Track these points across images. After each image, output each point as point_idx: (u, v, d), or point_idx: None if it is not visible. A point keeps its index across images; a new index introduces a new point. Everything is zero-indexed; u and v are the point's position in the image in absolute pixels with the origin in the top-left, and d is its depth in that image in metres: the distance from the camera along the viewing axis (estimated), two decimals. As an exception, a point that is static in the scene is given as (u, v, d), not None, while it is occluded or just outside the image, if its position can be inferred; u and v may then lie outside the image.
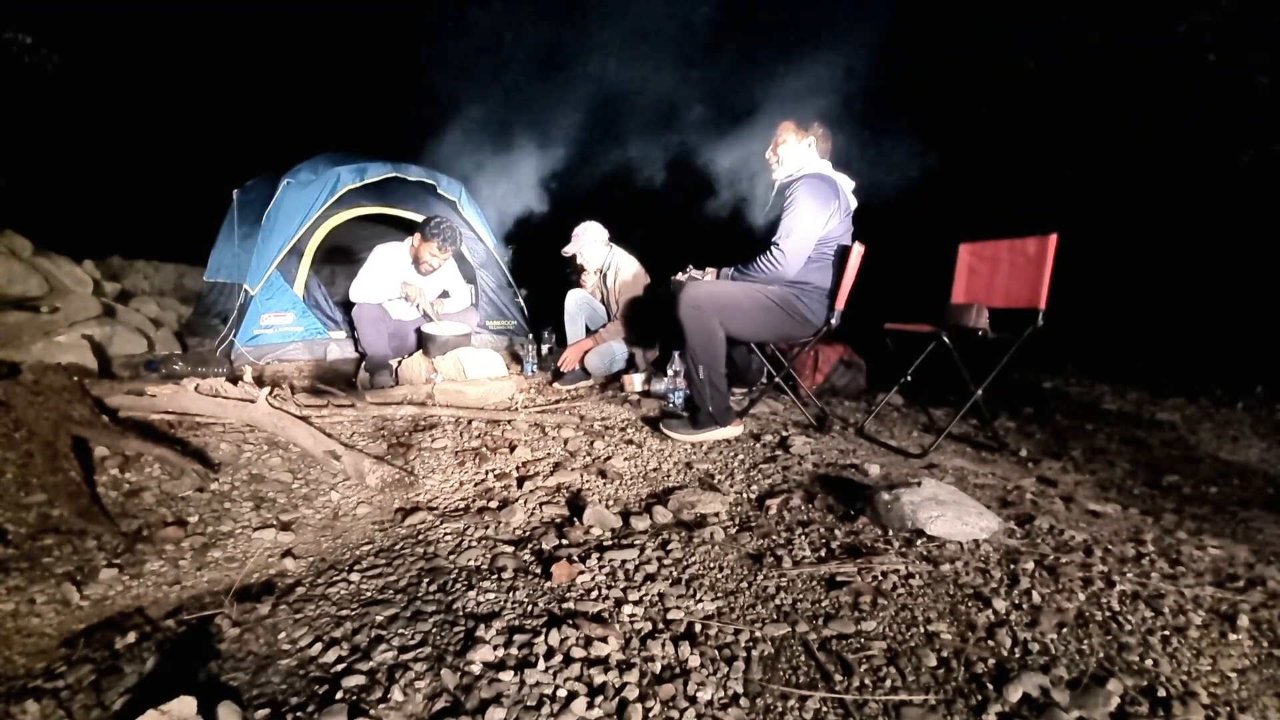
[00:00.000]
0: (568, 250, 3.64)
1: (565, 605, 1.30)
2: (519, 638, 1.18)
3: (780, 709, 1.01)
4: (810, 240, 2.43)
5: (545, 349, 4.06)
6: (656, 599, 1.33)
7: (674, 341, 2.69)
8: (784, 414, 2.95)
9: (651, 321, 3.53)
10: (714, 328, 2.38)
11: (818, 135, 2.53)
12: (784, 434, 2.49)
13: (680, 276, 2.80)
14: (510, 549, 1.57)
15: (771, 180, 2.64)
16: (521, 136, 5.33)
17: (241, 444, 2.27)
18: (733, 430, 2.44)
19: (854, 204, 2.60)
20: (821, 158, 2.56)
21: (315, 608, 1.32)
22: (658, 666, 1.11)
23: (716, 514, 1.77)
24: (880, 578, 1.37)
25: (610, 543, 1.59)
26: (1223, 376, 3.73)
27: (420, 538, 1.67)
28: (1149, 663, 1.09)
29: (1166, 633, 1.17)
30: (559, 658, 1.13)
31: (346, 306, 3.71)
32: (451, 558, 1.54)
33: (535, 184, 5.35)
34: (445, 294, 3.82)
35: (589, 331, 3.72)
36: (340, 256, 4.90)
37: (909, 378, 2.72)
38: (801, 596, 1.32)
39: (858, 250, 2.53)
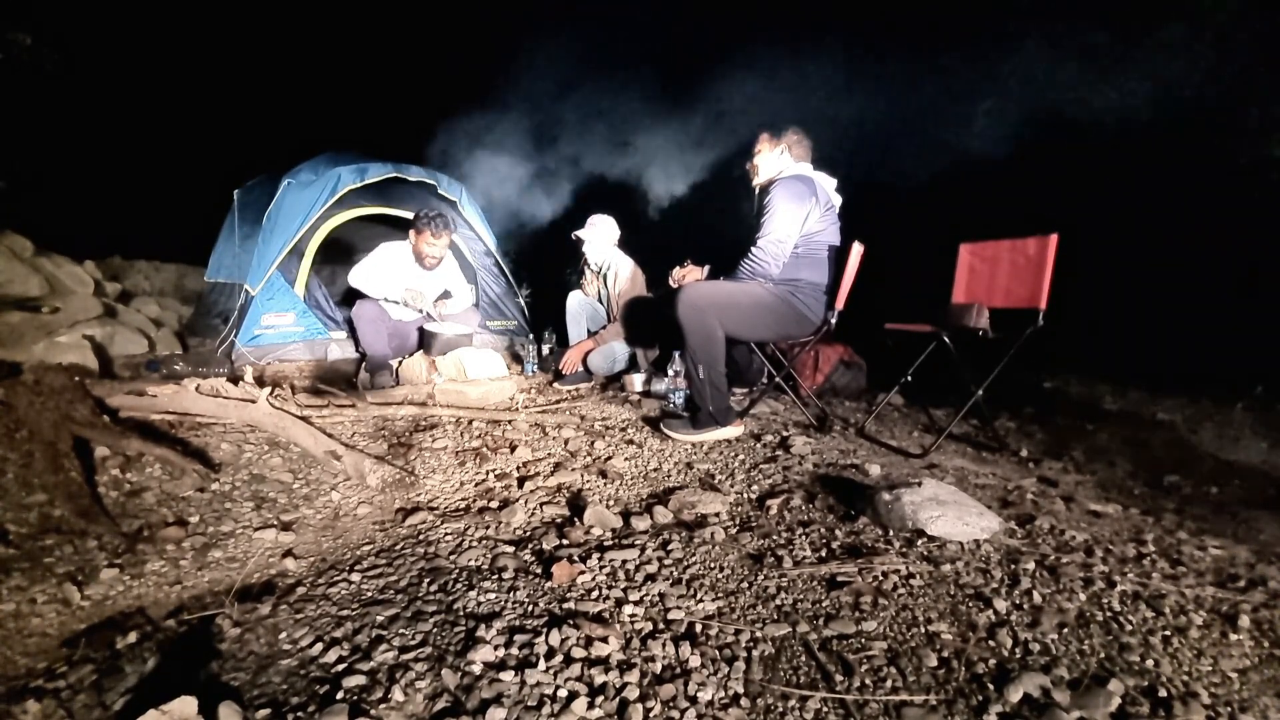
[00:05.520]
0: (579, 234, 3.63)
1: (566, 605, 1.30)
2: (520, 638, 1.18)
3: (781, 709, 1.01)
4: (789, 236, 2.47)
5: (546, 349, 4.06)
6: (657, 599, 1.33)
7: (674, 342, 2.69)
8: (784, 414, 2.95)
9: (652, 322, 3.53)
10: (713, 327, 2.39)
11: (791, 141, 2.61)
12: (784, 434, 2.49)
13: (676, 272, 2.82)
14: (511, 549, 1.57)
15: (754, 188, 2.73)
16: (524, 137, 5.34)
17: (242, 444, 2.27)
18: (733, 430, 2.44)
19: (837, 201, 2.65)
20: (798, 161, 2.62)
21: (316, 608, 1.32)
22: (658, 666, 1.11)
23: (717, 514, 1.77)
24: (881, 578, 1.37)
25: (611, 543, 1.59)
26: (1223, 376, 3.73)
27: (421, 538, 1.67)
28: (1150, 663, 1.09)
29: (1167, 633, 1.17)
30: (559, 658, 1.13)
31: (347, 306, 3.71)
32: (452, 558, 1.54)
33: (536, 185, 5.35)
34: (447, 294, 3.82)
35: (590, 333, 3.72)
36: (341, 257, 4.89)
37: (909, 378, 2.73)
38: (802, 597, 1.32)
39: (857, 250, 2.54)
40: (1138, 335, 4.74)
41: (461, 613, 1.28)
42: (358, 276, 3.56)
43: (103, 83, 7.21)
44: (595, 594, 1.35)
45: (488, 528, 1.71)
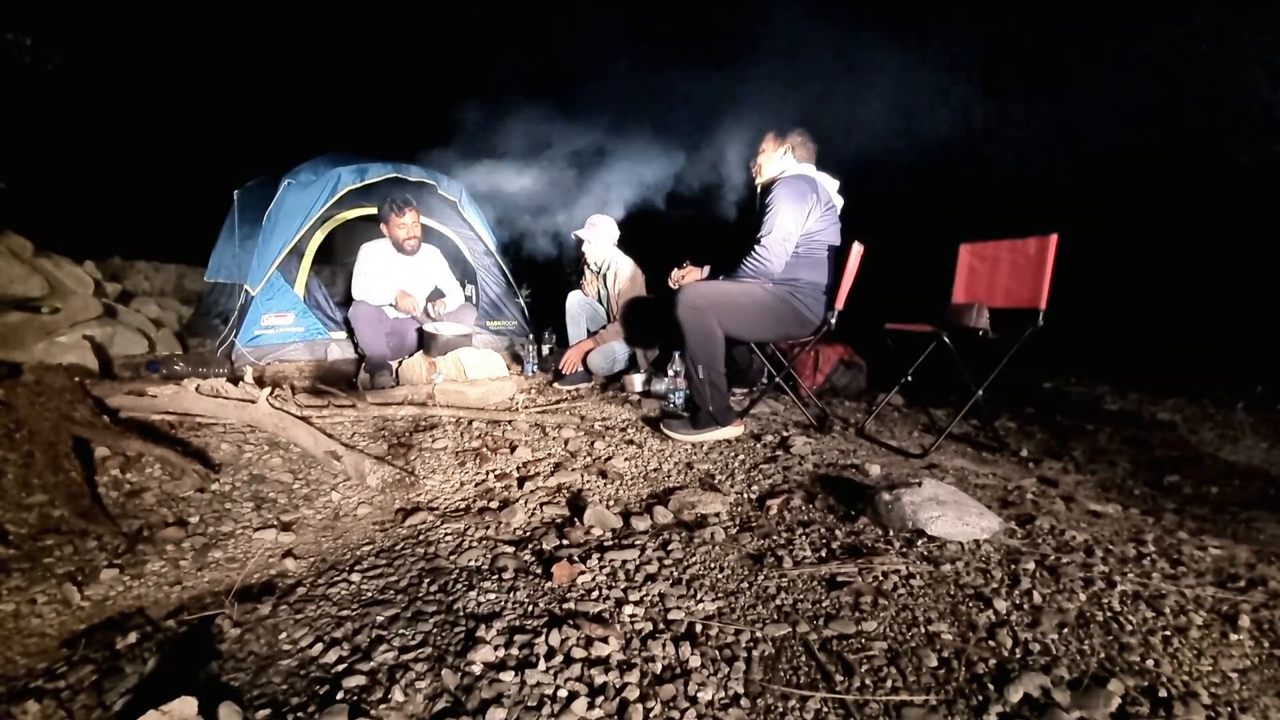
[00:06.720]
0: (579, 233, 3.64)
1: (566, 605, 1.30)
2: (520, 638, 1.18)
3: (781, 709, 1.01)
4: (790, 235, 2.47)
5: (546, 349, 4.06)
6: (657, 599, 1.33)
7: (674, 342, 2.69)
8: (784, 414, 2.95)
9: (652, 322, 3.53)
10: (712, 328, 2.39)
11: (796, 143, 2.62)
12: (784, 434, 2.49)
13: (676, 273, 2.82)
14: (511, 549, 1.57)
15: (756, 186, 2.73)
16: (525, 137, 5.32)
17: (242, 444, 2.27)
18: (733, 430, 2.44)
19: (839, 202, 2.65)
20: (801, 162, 2.62)
21: (316, 608, 1.32)
22: (658, 667, 1.11)
23: (717, 514, 1.77)
24: (881, 578, 1.37)
25: (611, 543, 1.59)
26: (1223, 376, 3.73)
27: (421, 538, 1.67)
28: (1150, 663, 1.09)
29: (1168, 633, 1.17)
30: (560, 658, 1.13)
31: (347, 306, 3.72)
32: (452, 558, 1.54)
33: (537, 186, 5.34)
34: (439, 293, 3.81)
35: (590, 333, 3.72)
36: (341, 257, 4.90)
37: (909, 378, 2.73)
38: (802, 597, 1.32)
39: (857, 250, 2.54)
40: (1138, 335, 4.74)
41: (461, 613, 1.28)
42: (358, 289, 3.61)
43: (103, 83, 7.21)
44: (595, 594, 1.35)
45: (488, 528, 1.71)
